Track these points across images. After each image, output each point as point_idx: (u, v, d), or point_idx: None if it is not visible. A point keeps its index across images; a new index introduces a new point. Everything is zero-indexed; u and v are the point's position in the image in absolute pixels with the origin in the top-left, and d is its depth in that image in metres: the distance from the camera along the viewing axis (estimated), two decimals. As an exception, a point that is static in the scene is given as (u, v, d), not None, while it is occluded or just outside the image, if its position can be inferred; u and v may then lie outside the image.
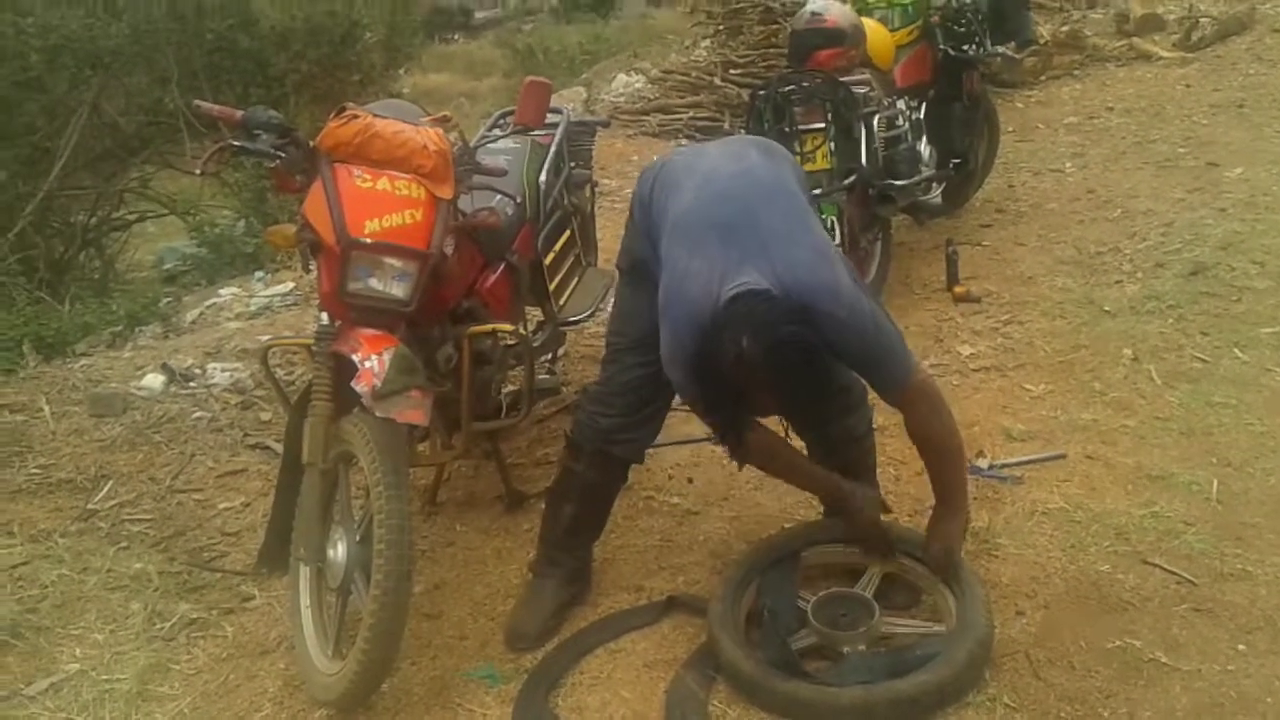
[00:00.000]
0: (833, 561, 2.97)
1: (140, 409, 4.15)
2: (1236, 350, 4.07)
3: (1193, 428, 3.62)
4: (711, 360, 2.42)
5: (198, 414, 4.15)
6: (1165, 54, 8.69)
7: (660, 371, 2.69)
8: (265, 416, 4.17)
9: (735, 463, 2.84)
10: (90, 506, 3.61)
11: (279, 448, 3.59)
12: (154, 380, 4.35)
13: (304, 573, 2.83)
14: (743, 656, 2.58)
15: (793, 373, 2.39)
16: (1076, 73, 8.76)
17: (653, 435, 3.01)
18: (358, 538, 2.71)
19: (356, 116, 2.80)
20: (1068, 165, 6.62)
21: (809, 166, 4.39)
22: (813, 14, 4.78)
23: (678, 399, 2.87)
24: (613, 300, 3.23)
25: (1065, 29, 9.18)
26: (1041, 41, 8.47)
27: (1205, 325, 4.29)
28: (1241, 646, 2.64)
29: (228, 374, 4.44)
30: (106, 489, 3.70)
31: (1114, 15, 9.72)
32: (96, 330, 5.50)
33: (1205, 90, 7.71)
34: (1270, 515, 3.14)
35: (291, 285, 5.79)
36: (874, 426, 3.02)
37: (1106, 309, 4.56)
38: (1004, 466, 3.49)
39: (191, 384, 4.37)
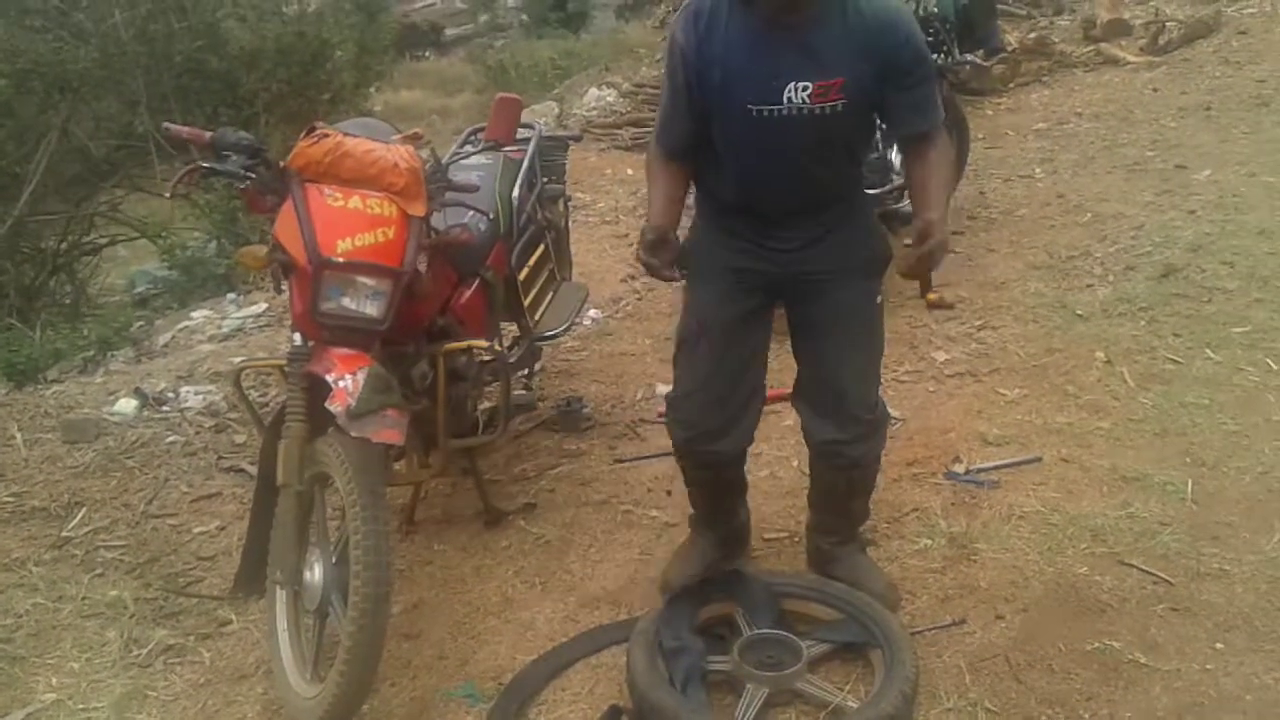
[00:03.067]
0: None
1: (113, 434, 4.11)
2: (1208, 351, 4.10)
3: (1166, 429, 3.65)
4: None
5: (171, 438, 4.12)
6: (1132, 58, 8.77)
7: (731, 362, 2.75)
8: (239, 439, 4.14)
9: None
10: (64, 534, 3.57)
11: (253, 470, 3.56)
12: (127, 405, 4.31)
13: (281, 596, 2.81)
14: (645, 658, 2.58)
15: None
16: (1045, 79, 8.83)
17: (744, 430, 2.91)
18: (334, 559, 2.69)
19: (327, 135, 2.79)
20: (1037, 171, 6.66)
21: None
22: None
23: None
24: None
25: (1033, 35, 9.26)
26: (1009, 49, 8.53)
27: (1177, 326, 4.32)
28: (1219, 645, 2.66)
29: (201, 397, 4.41)
30: (80, 516, 3.67)
31: (1081, 21, 9.81)
32: (68, 356, 5.46)
33: (1172, 94, 7.79)
34: (1245, 514, 3.16)
35: (264, 306, 5.77)
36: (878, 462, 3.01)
37: (1079, 312, 4.59)
38: (980, 471, 3.50)
39: (164, 408, 4.34)
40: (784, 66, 2.49)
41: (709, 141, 2.66)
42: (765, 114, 2.52)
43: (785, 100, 2.50)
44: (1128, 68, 8.65)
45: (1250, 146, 6.36)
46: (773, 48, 2.50)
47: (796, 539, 3.22)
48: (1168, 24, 9.12)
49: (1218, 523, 3.13)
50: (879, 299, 2.81)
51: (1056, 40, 9.28)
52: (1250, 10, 9.46)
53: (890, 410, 3.91)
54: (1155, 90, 7.97)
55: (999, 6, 7.79)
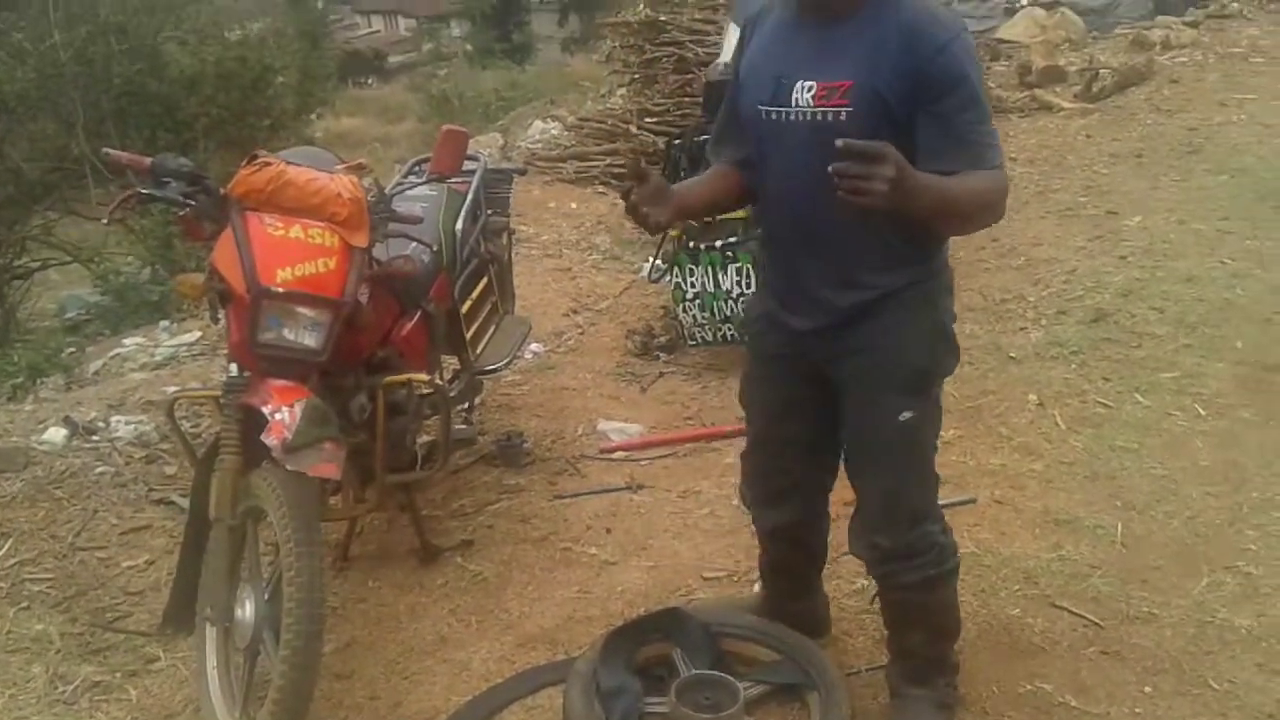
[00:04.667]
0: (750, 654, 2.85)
1: (41, 464, 4.01)
2: (1138, 395, 4.18)
3: (1097, 472, 3.71)
4: None
5: (101, 468, 4.02)
6: (1066, 105, 8.95)
7: (772, 443, 2.61)
8: (170, 471, 4.06)
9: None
10: (-13, 565, 3.48)
11: (185, 503, 3.49)
12: (56, 434, 4.21)
13: (210, 633, 2.75)
14: (582, 699, 2.57)
15: None
16: (981, 124, 8.96)
17: (798, 504, 2.70)
18: (266, 596, 2.65)
19: (269, 164, 2.77)
20: (974, 214, 6.74)
21: (724, 216, 4.43)
22: (726, 66, 4.85)
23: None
24: None
25: (970, 81, 9.40)
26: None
27: (1107, 371, 4.40)
28: (1148, 689, 2.70)
29: (132, 427, 4.32)
30: (6, 547, 3.57)
31: (1016, 67, 10.00)
32: (-4, 382, 5.34)
33: (1105, 140, 7.95)
34: (1173, 558, 3.22)
35: (198, 334, 5.68)
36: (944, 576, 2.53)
37: (1012, 355, 4.66)
38: (917, 512, 3.52)
39: (94, 437, 4.24)
40: (795, 62, 2.22)
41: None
42: (774, 117, 2.25)
43: (793, 101, 2.20)
44: (1062, 114, 8.82)
45: (1180, 193, 6.51)
46: (791, 42, 2.26)
47: (735, 578, 3.23)
48: (1101, 71, 9.32)
49: (1147, 566, 3.19)
50: (906, 415, 2.39)
51: (992, 85, 9.41)
52: (1182, 60, 9.72)
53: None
54: (1088, 137, 8.14)
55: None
